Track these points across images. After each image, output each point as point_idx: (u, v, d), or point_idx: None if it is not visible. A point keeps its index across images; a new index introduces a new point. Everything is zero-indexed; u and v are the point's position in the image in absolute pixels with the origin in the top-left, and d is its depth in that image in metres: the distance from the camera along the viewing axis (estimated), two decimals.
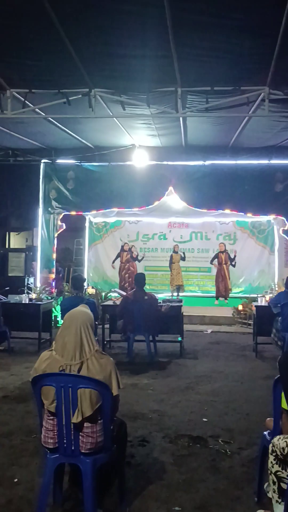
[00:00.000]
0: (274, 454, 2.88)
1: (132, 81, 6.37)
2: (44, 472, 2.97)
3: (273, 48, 5.18)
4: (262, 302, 8.30)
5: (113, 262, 13.94)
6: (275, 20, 4.63)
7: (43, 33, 5.09)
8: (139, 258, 13.88)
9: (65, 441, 2.84)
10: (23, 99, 6.92)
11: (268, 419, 3.31)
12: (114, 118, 8.14)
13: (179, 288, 13.34)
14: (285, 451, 2.76)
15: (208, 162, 10.66)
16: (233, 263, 13.20)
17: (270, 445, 2.93)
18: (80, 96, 6.72)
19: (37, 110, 7.37)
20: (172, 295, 12.61)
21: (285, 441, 2.79)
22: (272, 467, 2.90)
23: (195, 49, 5.43)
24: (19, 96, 6.94)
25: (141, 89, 6.60)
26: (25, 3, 4.55)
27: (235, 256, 13.28)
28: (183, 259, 13.69)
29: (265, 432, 3.28)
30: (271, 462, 2.91)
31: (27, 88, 6.71)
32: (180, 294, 13.08)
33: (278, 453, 2.83)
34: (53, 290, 10.95)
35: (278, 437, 2.91)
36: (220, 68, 5.95)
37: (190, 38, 5.16)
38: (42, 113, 7.63)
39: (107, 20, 4.82)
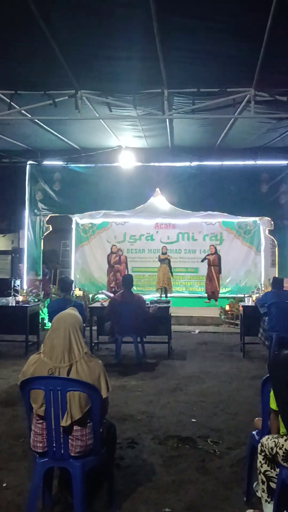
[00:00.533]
0: (263, 453, 2.90)
1: (119, 82, 6.38)
2: (33, 476, 2.95)
3: (259, 51, 5.23)
4: (249, 302, 8.35)
5: (108, 263, 13.81)
6: (261, 23, 4.67)
7: (29, 35, 5.07)
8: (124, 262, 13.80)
9: (54, 444, 2.83)
10: (8, 101, 6.87)
11: (257, 418, 3.33)
12: (101, 120, 8.13)
13: (163, 290, 13.31)
14: (274, 451, 2.78)
15: (194, 163, 10.71)
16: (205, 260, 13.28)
17: (259, 444, 2.95)
18: (66, 97, 6.71)
19: (23, 111, 7.33)
20: (161, 296, 12.61)
21: (274, 441, 2.81)
22: (261, 466, 2.92)
23: (181, 51, 5.46)
24: (5, 98, 6.89)
25: (127, 91, 6.61)
26: (11, 5, 4.52)
27: (205, 258, 13.33)
28: (169, 265, 13.64)
29: (253, 432, 3.30)
30: (260, 462, 2.93)
31: (13, 89, 6.67)
32: (163, 295, 13.05)
33: (267, 452, 2.85)
34: (39, 291, 10.88)
35: (266, 437, 2.93)
36: (206, 70, 5.99)
37: (176, 40, 5.19)
38: (28, 115, 7.59)
39: (94, 21, 4.81)
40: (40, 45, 5.24)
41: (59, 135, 9.35)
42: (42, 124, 8.42)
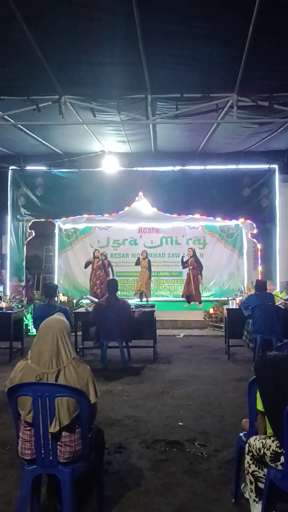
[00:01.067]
0: (250, 454, 2.93)
1: (103, 88, 6.40)
2: (21, 484, 2.92)
3: (241, 56, 5.31)
4: (233, 305, 8.40)
5: (85, 267, 13.79)
6: (243, 29, 4.75)
7: (13, 40, 5.06)
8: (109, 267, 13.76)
9: (42, 451, 2.81)
10: None
11: (244, 420, 3.36)
12: (84, 125, 8.13)
13: (141, 294, 13.30)
14: (262, 452, 2.81)
15: (177, 168, 10.77)
16: (185, 265, 13.29)
17: (246, 445, 2.98)
18: (50, 103, 6.70)
19: (5, 117, 7.29)
20: (141, 300, 12.59)
21: (261, 442, 2.84)
22: (249, 467, 2.95)
23: (165, 56, 5.52)
24: None
25: (111, 96, 6.64)
26: None
27: (182, 258, 13.37)
28: (150, 269, 13.64)
29: (241, 434, 3.33)
30: (248, 462, 2.96)
31: None
32: (144, 300, 13.03)
33: (255, 453, 2.88)
34: (23, 298, 10.80)
35: (254, 437, 2.96)
36: (190, 75, 6.05)
37: (159, 46, 5.24)
38: (11, 120, 7.54)
39: (78, 27, 4.84)
40: (23, 50, 5.24)
41: (42, 140, 9.32)
42: (25, 129, 8.38)
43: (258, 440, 2.88)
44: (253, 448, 2.89)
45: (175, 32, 4.91)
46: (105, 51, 5.31)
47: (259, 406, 2.97)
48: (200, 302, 12.92)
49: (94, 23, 4.74)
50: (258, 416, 3.05)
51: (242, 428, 3.38)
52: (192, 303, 13.11)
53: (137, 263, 13.64)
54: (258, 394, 2.94)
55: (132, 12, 4.42)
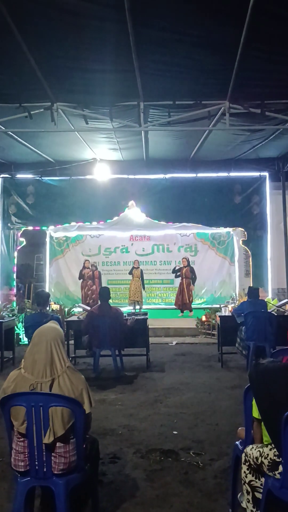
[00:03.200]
0: (247, 463, 2.90)
1: (95, 95, 6.40)
2: (14, 497, 2.86)
3: (233, 64, 5.34)
4: (226, 312, 8.39)
5: (79, 278, 13.70)
6: (235, 37, 4.78)
7: (5, 47, 5.04)
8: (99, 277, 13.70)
9: (36, 463, 2.75)
10: None
11: (240, 428, 3.33)
12: (76, 132, 8.12)
13: (136, 304, 13.28)
14: (259, 461, 2.77)
15: (168, 176, 10.80)
16: (178, 273, 13.27)
17: (243, 454, 2.95)
18: (42, 110, 6.67)
19: None
20: (135, 309, 12.56)
21: (259, 451, 2.80)
22: (246, 477, 2.91)
23: (157, 64, 5.53)
24: None
25: (103, 103, 6.64)
26: None
27: (178, 271, 13.36)
28: (142, 278, 13.63)
29: (237, 442, 3.30)
30: (244, 472, 2.92)
31: None
32: (138, 307, 13.01)
33: (251, 462, 2.84)
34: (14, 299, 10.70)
35: (250, 446, 2.93)
36: (182, 83, 6.07)
37: (152, 54, 5.25)
38: (2, 127, 7.50)
39: (70, 34, 4.83)
40: (16, 57, 5.21)
41: (33, 148, 9.28)
42: (16, 136, 8.34)
43: (255, 449, 2.84)
44: (250, 457, 2.85)
45: (168, 40, 4.93)
46: (98, 58, 5.30)
47: (255, 413, 2.95)
48: (191, 310, 12.91)
49: (87, 30, 4.73)
50: (254, 423, 3.03)
51: (237, 436, 3.35)
52: (184, 311, 13.09)
53: (131, 272, 13.60)
54: (253, 402, 2.91)
55: (124, 20, 4.42)
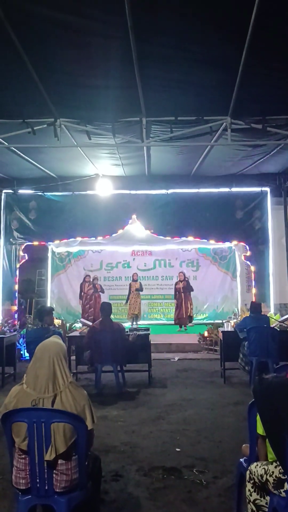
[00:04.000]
0: (251, 481, 2.84)
1: (98, 111, 6.46)
2: None
3: (234, 80, 5.40)
4: (228, 327, 8.34)
5: (80, 297, 13.67)
6: (236, 53, 4.84)
7: (9, 63, 5.11)
8: (102, 289, 13.68)
9: (38, 480, 2.71)
10: None
11: (244, 445, 3.27)
12: (79, 148, 8.17)
13: (135, 318, 13.20)
14: (264, 478, 2.72)
15: (170, 191, 10.82)
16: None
17: (247, 472, 2.89)
18: (45, 126, 6.73)
19: (0, 140, 7.30)
20: (134, 323, 12.47)
21: (263, 468, 2.75)
22: (250, 495, 2.85)
23: (159, 80, 5.59)
24: None
25: (106, 119, 6.70)
26: None
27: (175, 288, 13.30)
28: (141, 289, 13.61)
29: (241, 459, 3.24)
30: (249, 490, 2.86)
31: None
32: (139, 323, 12.93)
33: (256, 480, 2.79)
34: (16, 322, 10.65)
35: (255, 464, 2.88)
36: (184, 99, 6.13)
37: (154, 70, 5.31)
38: (5, 143, 7.56)
39: (74, 51, 4.89)
40: (19, 73, 5.28)
41: (36, 164, 9.34)
42: (19, 152, 8.40)
43: (260, 467, 2.79)
44: (254, 475, 2.80)
45: (170, 56, 4.99)
46: (101, 74, 5.37)
47: (260, 430, 2.90)
48: (186, 325, 12.86)
49: (90, 47, 4.80)
50: (258, 440, 2.97)
51: (242, 453, 3.30)
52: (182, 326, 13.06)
53: (129, 292, 13.56)
54: (258, 418, 2.87)
55: (127, 37, 4.48)
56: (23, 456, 2.72)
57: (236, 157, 8.84)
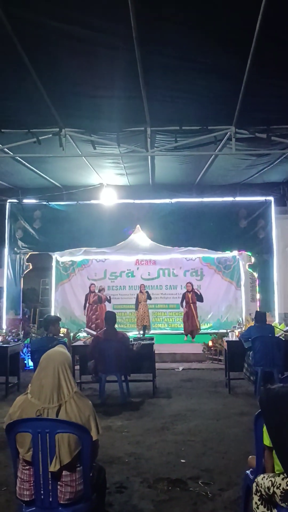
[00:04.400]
0: (258, 494, 2.80)
1: (103, 121, 6.50)
2: None
3: (239, 90, 5.43)
4: (233, 337, 8.29)
5: (84, 307, 13.67)
6: (241, 63, 4.87)
7: (14, 73, 5.16)
8: (108, 299, 13.65)
9: (42, 492, 2.67)
10: None
11: (250, 457, 3.23)
12: (83, 158, 8.21)
13: (145, 328, 13.18)
14: (271, 491, 2.68)
15: (174, 200, 10.86)
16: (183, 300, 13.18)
17: (254, 484, 2.85)
18: (50, 135, 6.78)
19: (5, 149, 7.35)
20: (141, 333, 12.44)
21: (270, 480, 2.71)
22: (257, 508, 2.80)
23: (164, 90, 5.64)
24: None
25: (111, 129, 6.74)
26: None
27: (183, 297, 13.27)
28: (149, 297, 13.61)
29: (247, 471, 3.20)
30: (256, 503, 2.82)
31: None
32: (147, 333, 12.90)
33: (263, 492, 2.74)
34: (19, 330, 10.63)
35: (262, 476, 2.83)
36: (188, 108, 6.17)
37: (159, 80, 5.36)
38: (10, 153, 7.61)
39: (79, 61, 4.94)
40: (25, 84, 5.33)
41: (41, 173, 9.40)
42: (24, 162, 8.45)
43: (267, 479, 2.75)
44: (261, 487, 2.76)
45: (175, 67, 5.03)
46: (106, 84, 5.41)
47: (266, 441, 2.86)
48: (194, 336, 12.81)
49: (95, 57, 4.84)
50: (265, 452, 2.93)
51: (248, 465, 3.25)
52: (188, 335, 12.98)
53: (137, 301, 13.55)
54: (264, 429, 2.83)
55: (132, 48, 4.52)
56: (27, 467, 2.69)
57: (240, 167, 8.86)
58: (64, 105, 6.07)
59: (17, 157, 8.02)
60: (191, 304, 12.94)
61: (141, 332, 12.71)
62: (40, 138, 6.71)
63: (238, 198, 10.78)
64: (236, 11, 4.16)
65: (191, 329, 12.89)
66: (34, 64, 4.94)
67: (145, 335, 8.97)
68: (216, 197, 10.83)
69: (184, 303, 13.10)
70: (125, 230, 10.91)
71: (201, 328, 13.16)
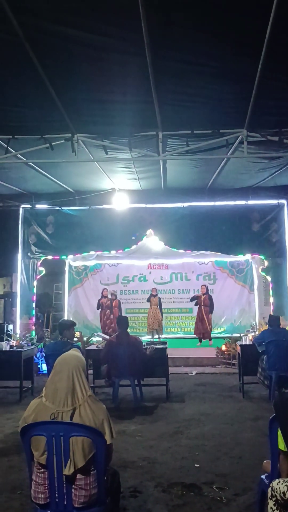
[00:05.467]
0: (274, 499, 2.77)
1: (115, 126, 6.53)
2: None
3: (250, 93, 5.41)
4: (247, 341, 8.25)
5: (98, 308, 13.70)
6: (252, 66, 4.86)
7: (27, 80, 5.21)
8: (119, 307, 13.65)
9: (57, 495, 2.68)
10: (5, 145, 6.97)
11: (265, 461, 3.21)
12: (96, 162, 8.25)
13: (155, 332, 13.16)
14: (286, 496, 2.66)
15: (186, 204, 10.86)
16: (196, 301, 13.13)
17: (269, 489, 2.82)
18: (62, 141, 6.83)
19: (18, 155, 7.42)
20: (154, 337, 12.44)
21: (286, 485, 2.69)
22: None
23: (175, 94, 5.64)
24: (2, 143, 7.00)
25: (123, 134, 6.76)
26: (10, 51, 4.66)
27: (195, 297, 13.23)
28: (160, 307, 13.57)
29: (262, 476, 3.18)
30: (271, 508, 2.79)
31: (10, 134, 6.77)
32: (156, 337, 12.87)
33: (278, 497, 2.72)
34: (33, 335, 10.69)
35: (277, 480, 2.81)
36: (200, 112, 6.16)
37: (170, 84, 5.36)
38: (23, 158, 7.68)
39: (90, 67, 4.97)
40: (37, 89, 5.37)
41: (53, 179, 9.46)
42: (37, 167, 8.52)
43: (282, 483, 2.72)
44: (276, 492, 2.73)
45: (186, 71, 5.04)
46: (117, 89, 5.44)
47: (281, 445, 2.84)
48: (210, 339, 12.74)
49: (107, 63, 4.87)
50: (280, 456, 2.91)
51: (263, 469, 3.23)
52: (203, 340, 12.91)
53: (148, 299, 13.56)
54: (279, 433, 2.81)
55: (144, 53, 4.54)
56: (42, 470, 2.71)
57: (253, 170, 8.82)
58: (76, 111, 6.11)
59: (30, 163, 8.09)
60: (203, 307, 12.90)
61: (156, 336, 12.75)
62: (52, 143, 6.76)
63: (251, 202, 10.74)
64: (247, 15, 4.16)
65: (203, 331, 12.84)
66: (46, 71, 4.98)
67: (155, 340, 8.97)
68: (228, 201, 10.80)
69: (195, 304, 13.10)
70: (134, 236, 10.93)
71: (212, 331, 13.07)
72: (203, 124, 6.55)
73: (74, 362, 2.84)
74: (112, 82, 5.24)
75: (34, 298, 11.29)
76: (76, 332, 11.22)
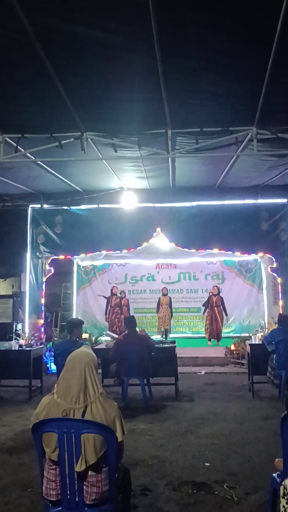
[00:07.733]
0: (286, 497, 2.74)
1: (124, 124, 6.51)
2: None
3: (260, 90, 5.38)
4: (256, 340, 8.22)
5: (106, 309, 13.70)
6: (262, 63, 4.83)
7: (37, 79, 5.21)
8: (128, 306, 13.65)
9: (68, 492, 2.68)
10: (15, 144, 6.99)
11: (277, 459, 3.19)
12: (104, 161, 8.25)
13: (166, 331, 13.12)
14: None
15: (195, 203, 10.82)
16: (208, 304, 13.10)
17: (281, 487, 2.80)
18: (72, 139, 6.83)
19: (28, 154, 7.43)
20: (164, 337, 12.40)
21: None
22: (285, 511, 2.76)
23: (184, 92, 5.62)
24: (11, 141, 7.02)
25: (132, 132, 6.75)
26: (20, 50, 4.67)
27: (208, 299, 13.18)
28: (170, 307, 13.56)
29: (274, 474, 3.16)
30: (284, 507, 2.77)
31: (20, 133, 6.78)
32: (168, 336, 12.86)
33: None
34: (42, 335, 10.71)
35: None
36: (209, 109, 6.14)
37: (179, 82, 5.34)
38: (32, 157, 7.69)
39: (99, 65, 4.96)
40: (47, 89, 5.37)
41: (62, 178, 9.46)
42: (46, 166, 8.53)
43: None
44: None
45: (195, 68, 5.01)
46: (126, 88, 5.41)
47: None
48: (219, 340, 12.72)
49: (116, 61, 4.86)
50: None
51: (275, 468, 3.21)
52: (212, 340, 12.89)
53: (158, 304, 13.52)
54: None
55: (153, 51, 4.52)
56: (54, 466, 2.71)
57: (262, 168, 8.77)
58: (86, 109, 6.10)
59: (39, 162, 8.10)
60: (215, 308, 12.86)
61: (164, 336, 12.71)
62: (62, 142, 6.76)
63: (260, 201, 10.68)
64: (257, 12, 4.13)
65: (217, 332, 12.80)
66: (56, 69, 4.98)
67: (167, 339, 8.95)
68: (237, 200, 10.75)
69: (207, 307, 13.05)
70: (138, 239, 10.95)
71: (222, 331, 13.05)
72: (213, 121, 6.52)
73: (86, 359, 2.83)
74: (121, 80, 5.23)
75: (43, 297, 11.31)
76: (85, 333, 11.26)
